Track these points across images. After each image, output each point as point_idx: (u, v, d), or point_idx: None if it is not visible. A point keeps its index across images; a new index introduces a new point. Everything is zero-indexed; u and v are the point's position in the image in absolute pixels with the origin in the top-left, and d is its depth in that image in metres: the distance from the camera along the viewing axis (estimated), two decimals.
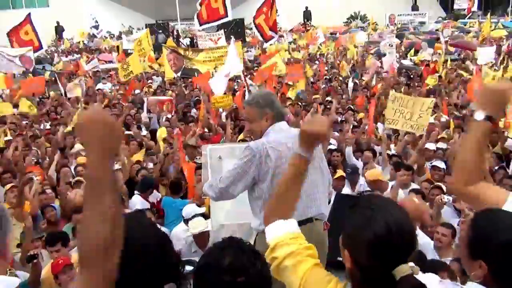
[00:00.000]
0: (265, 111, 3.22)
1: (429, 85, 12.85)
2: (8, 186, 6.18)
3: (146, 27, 32.64)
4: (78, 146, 8.27)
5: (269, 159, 3.00)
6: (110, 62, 23.24)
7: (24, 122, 10.51)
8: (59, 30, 46.53)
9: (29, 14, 14.98)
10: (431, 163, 6.79)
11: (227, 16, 19.66)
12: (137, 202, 6.22)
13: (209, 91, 11.53)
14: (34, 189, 5.94)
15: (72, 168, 7.44)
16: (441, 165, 6.47)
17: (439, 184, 5.53)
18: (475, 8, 56.14)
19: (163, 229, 5.10)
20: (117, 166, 7.15)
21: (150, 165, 7.64)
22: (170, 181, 6.57)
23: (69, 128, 9.40)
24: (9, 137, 9.20)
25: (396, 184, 5.72)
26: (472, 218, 1.92)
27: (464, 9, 55.23)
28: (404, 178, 5.83)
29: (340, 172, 6.50)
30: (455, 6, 56.51)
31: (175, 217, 5.90)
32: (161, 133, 7.86)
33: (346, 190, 6.55)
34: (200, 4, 19.18)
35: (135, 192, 6.42)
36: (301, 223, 2.17)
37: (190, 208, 5.43)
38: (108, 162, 1.47)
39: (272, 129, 3.17)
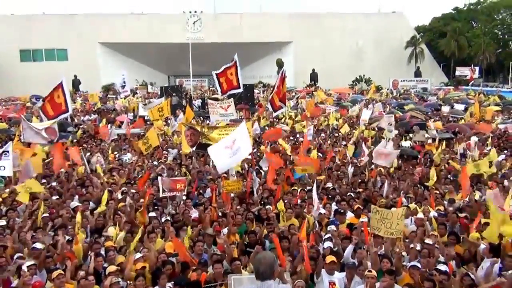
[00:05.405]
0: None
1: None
2: (56, 273, 7.26)
3: (161, 90, 34.55)
4: (110, 230, 9.46)
5: None
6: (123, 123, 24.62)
7: (54, 198, 11.71)
8: (76, 83, 48.86)
9: (61, 82, 16.49)
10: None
11: (239, 87, 21.81)
12: None
13: None
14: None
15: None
16: (419, 264, 7.64)
17: None
18: (476, 75, 58.16)
19: None
20: (139, 255, 8.27)
21: None
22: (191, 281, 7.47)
23: (101, 208, 10.59)
24: (46, 214, 10.37)
25: None
26: None
27: (466, 76, 57.22)
28: (386, 283, 6.93)
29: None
30: (457, 73, 58.57)
31: None
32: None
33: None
34: (218, 76, 21.33)
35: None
36: None
37: None
38: None
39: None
